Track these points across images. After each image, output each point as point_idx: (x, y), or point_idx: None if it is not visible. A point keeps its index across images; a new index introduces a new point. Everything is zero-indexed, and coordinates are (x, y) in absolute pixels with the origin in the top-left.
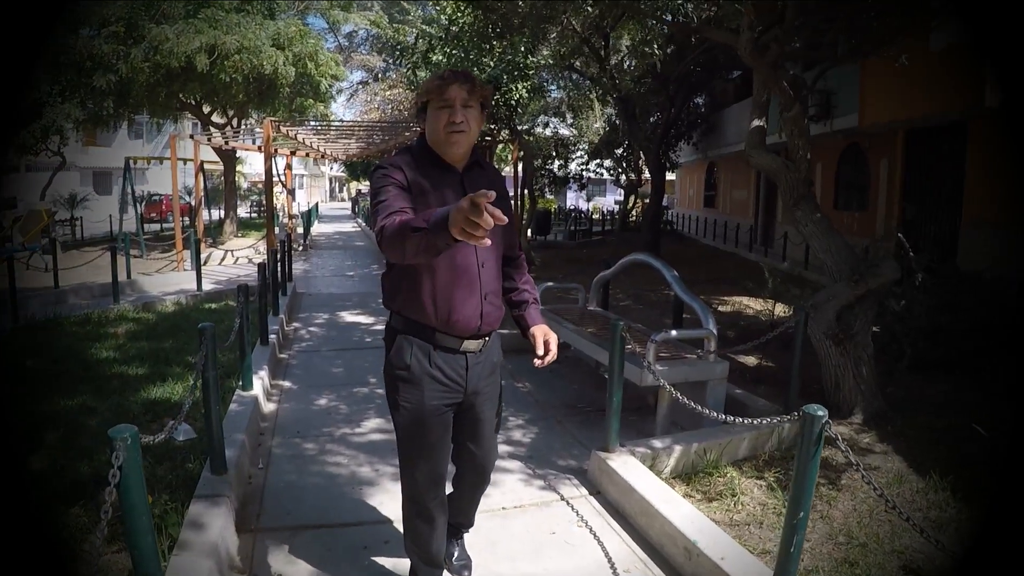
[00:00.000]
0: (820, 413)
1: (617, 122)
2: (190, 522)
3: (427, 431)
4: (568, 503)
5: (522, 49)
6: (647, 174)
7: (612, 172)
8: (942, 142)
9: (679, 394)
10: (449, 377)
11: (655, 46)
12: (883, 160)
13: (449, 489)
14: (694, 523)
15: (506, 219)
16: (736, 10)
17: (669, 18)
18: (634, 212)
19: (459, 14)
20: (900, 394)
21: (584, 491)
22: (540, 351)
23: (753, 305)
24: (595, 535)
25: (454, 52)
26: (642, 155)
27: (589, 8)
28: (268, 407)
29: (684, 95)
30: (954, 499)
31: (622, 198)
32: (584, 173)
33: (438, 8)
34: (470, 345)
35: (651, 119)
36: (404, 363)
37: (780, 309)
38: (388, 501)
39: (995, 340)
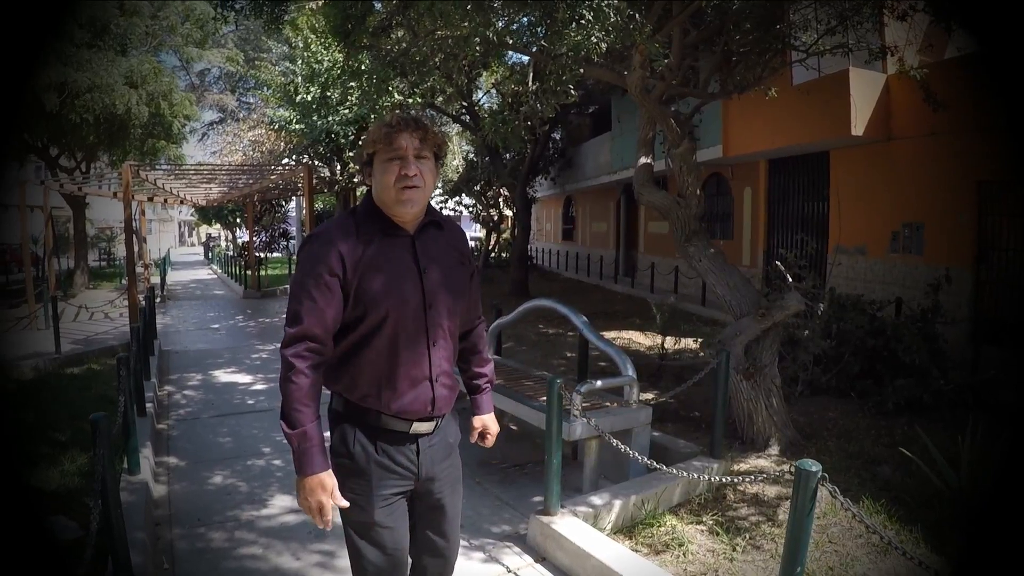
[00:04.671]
0: (814, 468)
1: (475, 159)
2: None
3: (380, 524)
4: (516, 575)
5: (389, 88)
6: (506, 210)
7: (471, 209)
8: (805, 170)
9: (621, 445)
10: (399, 464)
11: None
12: (746, 188)
13: None
14: None
15: None
16: (662, 53)
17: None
18: (495, 249)
19: (324, 52)
20: (803, 420)
21: (528, 559)
22: (473, 439)
23: (640, 340)
24: None
25: (316, 91)
26: (504, 192)
27: (478, 49)
28: (158, 490)
29: (548, 131)
30: (891, 521)
31: (479, 234)
32: (443, 210)
33: (296, 48)
34: (421, 427)
35: (510, 155)
36: (347, 451)
37: (670, 343)
38: None
39: (876, 362)
